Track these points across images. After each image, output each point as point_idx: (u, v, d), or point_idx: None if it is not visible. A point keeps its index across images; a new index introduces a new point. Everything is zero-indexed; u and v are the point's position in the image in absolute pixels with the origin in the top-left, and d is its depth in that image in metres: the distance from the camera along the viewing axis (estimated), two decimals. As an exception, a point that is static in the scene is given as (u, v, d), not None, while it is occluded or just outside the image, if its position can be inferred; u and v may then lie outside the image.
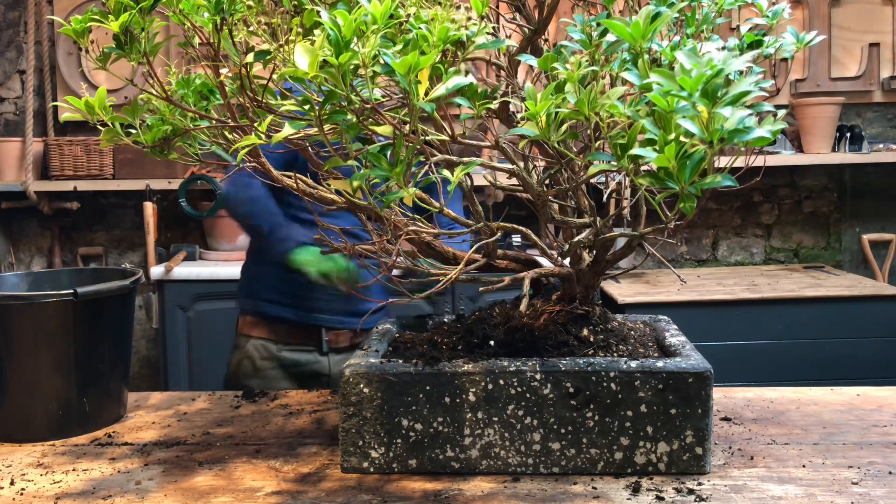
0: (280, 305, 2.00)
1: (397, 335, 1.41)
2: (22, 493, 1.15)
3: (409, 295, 1.19)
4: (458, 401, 1.16)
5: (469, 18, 1.00)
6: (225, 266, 3.41)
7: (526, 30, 1.18)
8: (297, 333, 2.01)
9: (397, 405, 1.17)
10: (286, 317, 2.00)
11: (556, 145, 0.99)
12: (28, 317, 1.36)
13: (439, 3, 1.01)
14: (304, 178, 1.20)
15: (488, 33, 1.02)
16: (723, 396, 1.54)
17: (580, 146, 1.14)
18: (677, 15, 1.15)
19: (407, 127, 0.97)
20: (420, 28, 0.93)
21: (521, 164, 1.17)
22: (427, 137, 1.03)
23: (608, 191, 1.33)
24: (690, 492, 1.10)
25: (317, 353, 2.03)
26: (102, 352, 1.44)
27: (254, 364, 1.99)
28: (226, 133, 1.17)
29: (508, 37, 1.18)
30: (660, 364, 1.15)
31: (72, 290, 1.36)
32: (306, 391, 1.66)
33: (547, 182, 1.19)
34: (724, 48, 1.11)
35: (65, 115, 1.17)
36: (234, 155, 1.07)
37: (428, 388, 1.16)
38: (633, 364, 1.15)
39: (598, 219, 1.19)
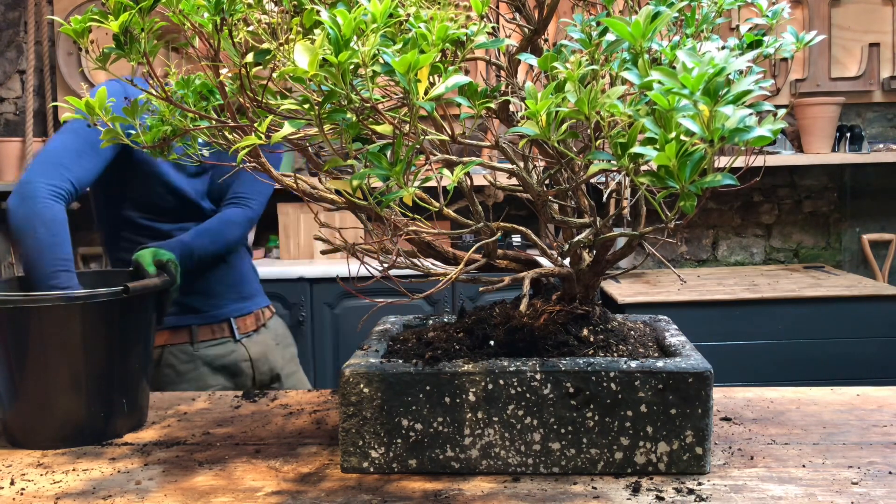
0: (182, 314, 2.02)
1: (397, 335, 1.40)
2: (22, 493, 1.15)
3: (407, 294, 1.18)
4: (458, 401, 1.16)
5: (468, 18, 1.00)
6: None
7: (526, 30, 1.18)
8: (207, 330, 2.05)
9: (397, 405, 1.17)
10: (194, 320, 2.04)
11: (556, 145, 0.99)
12: (77, 316, 1.33)
13: (438, 3, 1.01)
14: (304, 178, 1.20)
15: (488, 33, 1.02)
16: (723, 396, 1.54)
17: (580, 146, 1.14)
18: (677, 15, 1.15)
19: (407, 126, 0.97)
20: (419, 27, 0.93)
21: (521, 164, 1.17)
22: (427, 137, 1.03)
23: (608, 191, 1.33)
24: (690, 492, 1.10)
25: (231, 342, 2.09)
26: (137, 354, 1.43)
27: (176, 370, 2.01)
28: (226, 133, 1.17)
29: (508, 37, 1.18)
30: (660, 364, 1.15)
31: (122, 287, 1.35)
32: (306, 391, 1.66)
33: (547, 182, 1.19)
34: (723, 48, 1.11)
35: (65, 116, 1.17)
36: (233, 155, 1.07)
37: (428, 388, 1.16)
38: (633, 364, 1.15)
39: (598, 219, 1.19)
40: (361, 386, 1.17)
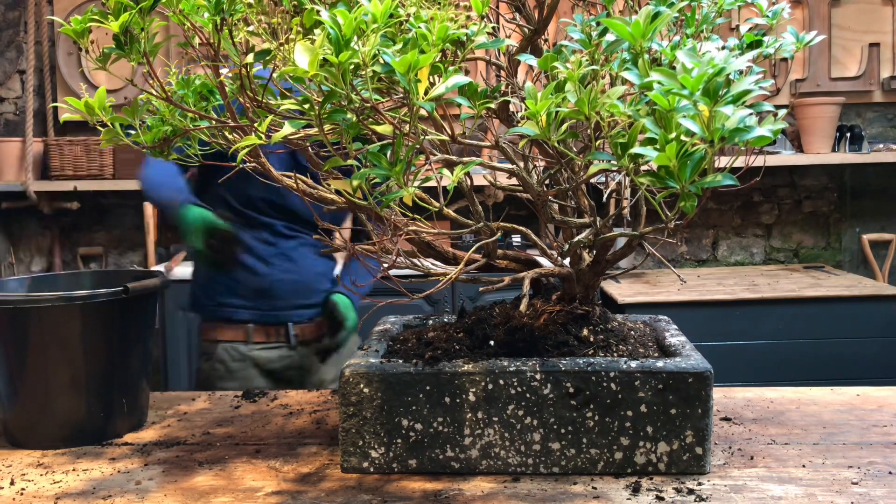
0: (244, 308, 2.02)
1: (397, 335, 1.40)
2: (22, 493, 1.15)
3: (407, 294, 1.18)
4: (458, 401, 1.16)
5: (468, 18, 1.00)
6: (225, 266, 3.41)
7: (526, 30, 1.18)
8: (265, 331, 2.04)
9: (397, 405, 1.17)
10: (252, 317, 2.02)
11: (556, 145, 0.99)
12: (77, 316, 1.33)
13: (438, 3, 1.01)
14: (303, 178, 1.20)
15: (488, 33, 1.02)
16: (723, 396, 1.54)
17: (580, 146, 1.14)
18: (677, 15, 1.15)
19: (407, 126, 0.97)
20: (420, 27, 0.93)
21: (521, 164, 1.17)
22: (427, 137, 1.03)
23: (608, 191, 1.33)
24: (690, 492, 1.10)
25: (286, 348, 2.07)
26: (137, 354, 1.43)
27: (227, 367, 2.00)
28: (226, 133, 1.17)
29: (508, 37, 1.18)
30: (660, 364, 1.15)
31: (122, 287, 1.35)
32: (306, 391, 1.66)
33: (547, 182, 1.19)
34: (723, 48, 1.11)
35: (65, 116, 1.17)
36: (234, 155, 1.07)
37: (428, 388, 1.16)
38: (633, 364, 1.15)
39: (598, 219, 1.19)
40: (361, 386, 1.17)
